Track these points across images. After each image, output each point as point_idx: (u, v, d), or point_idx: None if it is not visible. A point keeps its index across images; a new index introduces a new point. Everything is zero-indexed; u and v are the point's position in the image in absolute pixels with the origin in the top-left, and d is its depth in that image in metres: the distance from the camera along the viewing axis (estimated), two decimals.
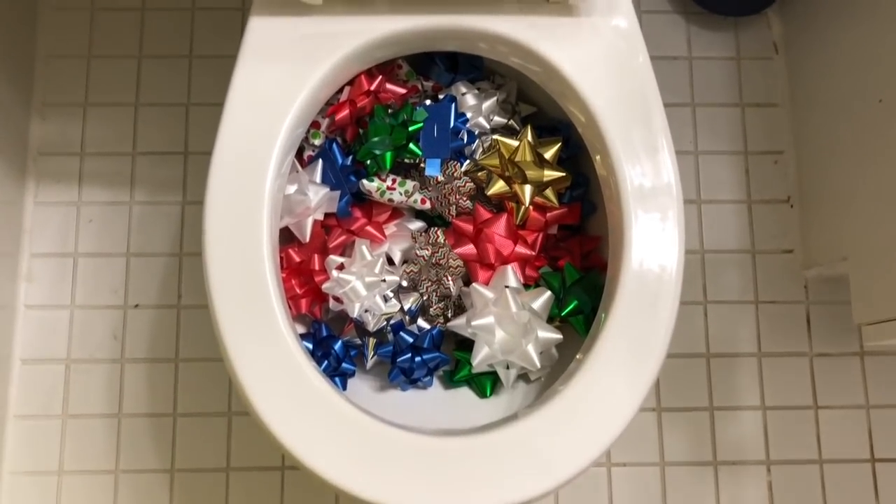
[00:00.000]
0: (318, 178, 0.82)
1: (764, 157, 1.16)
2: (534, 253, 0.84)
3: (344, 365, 0.81)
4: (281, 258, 0.82)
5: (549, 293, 0.81)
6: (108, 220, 1.10)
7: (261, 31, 0.76)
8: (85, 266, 1.09)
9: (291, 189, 0.80)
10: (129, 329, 1.08)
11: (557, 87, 0.79)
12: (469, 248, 0.83)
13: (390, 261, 0.85)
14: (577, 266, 0.85)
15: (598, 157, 0.79)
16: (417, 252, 0.83)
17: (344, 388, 0.82)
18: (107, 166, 1.12)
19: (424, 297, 0.83)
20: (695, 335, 1.11)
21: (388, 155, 0.82)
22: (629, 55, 0.78)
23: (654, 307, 0.72)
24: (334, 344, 0.81)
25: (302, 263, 0.83)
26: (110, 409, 1.06)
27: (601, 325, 0.72)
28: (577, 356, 0.74)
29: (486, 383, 0.83)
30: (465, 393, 0.84)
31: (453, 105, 0.84)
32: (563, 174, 0.84)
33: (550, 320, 0.82)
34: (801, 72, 1.15)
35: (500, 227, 0.83)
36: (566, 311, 0.82)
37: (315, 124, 0.84)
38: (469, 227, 0.84)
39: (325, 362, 0.81)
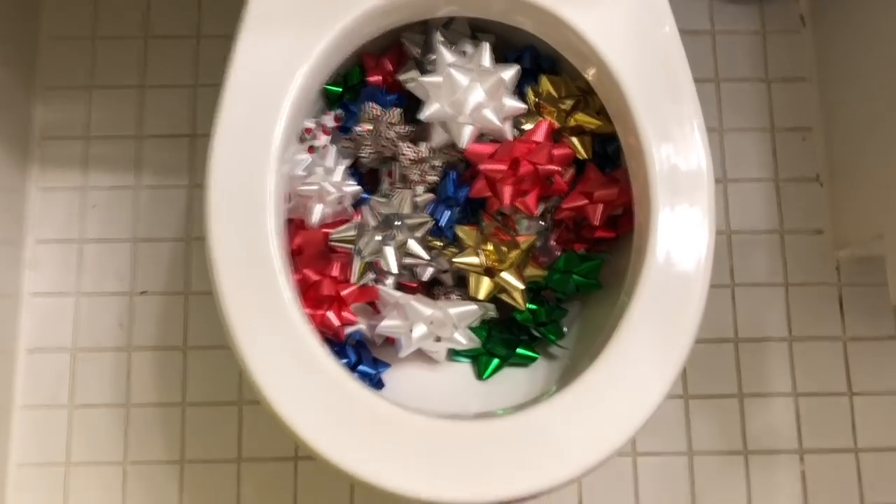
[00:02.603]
0: (330, 162, 0.78)
1: (791, 133, 1.12)
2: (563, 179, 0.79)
3: (362, 367, 0.76)
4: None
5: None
6: (114, 204, 1.07)
7: None
8: (90, 252, 1.06)
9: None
10: (136, 317, 1.05)
11: (578, 53, 0.76)
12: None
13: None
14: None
15: (621, 127, 0.75)
16: (357, 129, 0.79)
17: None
18: (112, 150, 1.09)
19: (365, 158, 0.81)
20: (722, 319, 1.07)
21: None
22: (655, 21, 0.74)
23: (684, 288, 0.68)
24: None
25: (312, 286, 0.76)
26: (118, 398, 1.02)
27: (626, 308, 0.68)
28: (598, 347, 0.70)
29: (491, 364, 0.78)
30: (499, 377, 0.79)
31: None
32: (542, 273, 0.79)
33: (541, 325, 0.79)
34: (830, 45, 1.11)
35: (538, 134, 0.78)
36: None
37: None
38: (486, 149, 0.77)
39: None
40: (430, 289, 0.81)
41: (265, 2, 0.73)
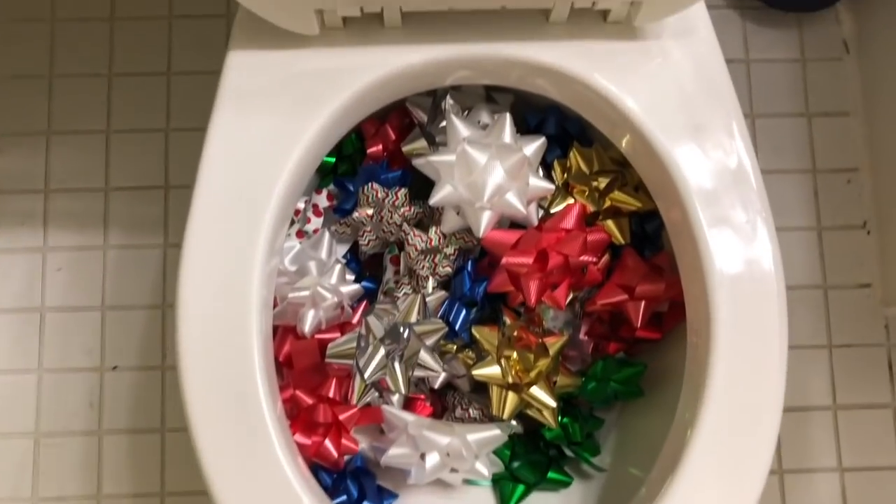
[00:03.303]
0: (323, 253, 0.67)
1: (835, 175, 1.02)
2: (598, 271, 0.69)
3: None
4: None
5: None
6: (80, 267, 0.97)
7: (242, 69, 0.61)
8: (54, 322, 0.96)
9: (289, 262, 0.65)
10: (107, 395, 0.95)
11: (609, 120, 0.65)
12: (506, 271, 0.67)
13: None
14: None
15: (663, 203, 0.65)
16: (356, 215, 0.69)
17: None
18: (76, 205, 0.98)
19: (365, 246, 0.71)
20: None
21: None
22: (711, 88, 0.63)
23: (756, 404, 0.59)
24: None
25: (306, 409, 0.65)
26: (88, 489, 0.93)
27: (690, 434, 0.58)
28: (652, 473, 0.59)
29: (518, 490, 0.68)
30: None
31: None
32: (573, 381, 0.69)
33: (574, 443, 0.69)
34: (877, 74, 1.02)
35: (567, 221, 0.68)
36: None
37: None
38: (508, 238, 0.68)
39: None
40: (443, 395, 0.70)
41: (245, 76, 0.61)
